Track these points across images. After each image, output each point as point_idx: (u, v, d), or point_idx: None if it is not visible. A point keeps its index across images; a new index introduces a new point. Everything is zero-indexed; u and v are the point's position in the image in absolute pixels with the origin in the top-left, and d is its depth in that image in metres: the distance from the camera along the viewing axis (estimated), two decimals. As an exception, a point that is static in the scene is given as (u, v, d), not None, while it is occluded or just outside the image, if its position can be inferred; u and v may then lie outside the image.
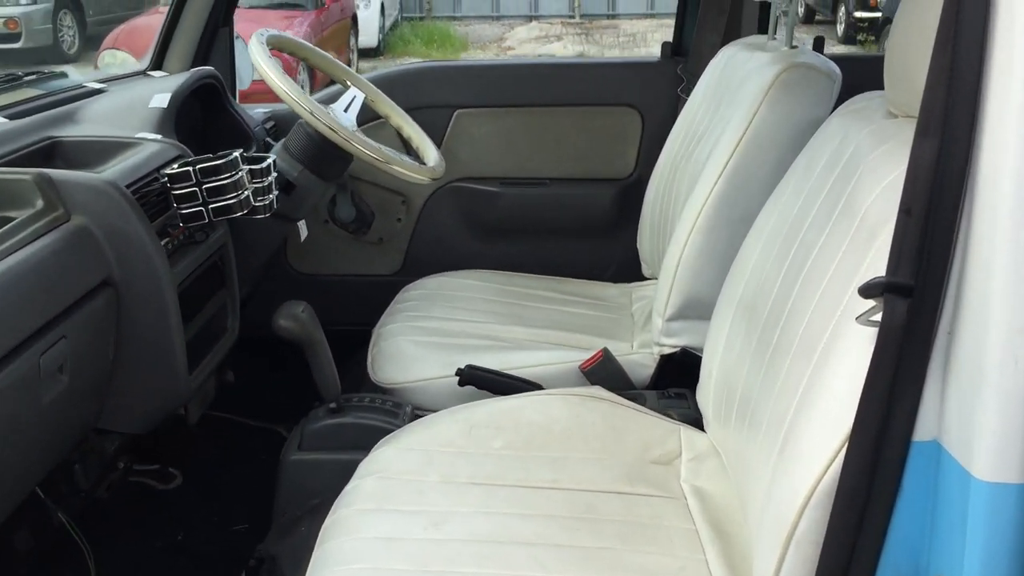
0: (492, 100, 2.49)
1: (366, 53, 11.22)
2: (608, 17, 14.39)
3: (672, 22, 2.60)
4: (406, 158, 1.95)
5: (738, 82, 1.88)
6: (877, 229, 1.05)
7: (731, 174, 1.74)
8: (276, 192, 1.78)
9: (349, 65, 10.34)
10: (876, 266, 1.03)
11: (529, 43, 12.71)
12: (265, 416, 2.35)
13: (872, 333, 0.93)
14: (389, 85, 2.38)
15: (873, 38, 10.67)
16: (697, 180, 1.83)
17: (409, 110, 2.36)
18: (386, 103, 2.22)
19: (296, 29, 8.75)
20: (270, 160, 1.74)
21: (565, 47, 12.31)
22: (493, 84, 2.50)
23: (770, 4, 1.98)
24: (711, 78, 2.08)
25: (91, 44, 8.79)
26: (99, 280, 1.46)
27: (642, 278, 2.35)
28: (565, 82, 2.50)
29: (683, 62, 2.45)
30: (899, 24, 1.17)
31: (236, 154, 1.62)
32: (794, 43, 1.87)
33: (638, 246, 2.33)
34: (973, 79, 0.86)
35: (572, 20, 14.37)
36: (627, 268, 2.43)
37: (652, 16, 14.04)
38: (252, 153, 1.90)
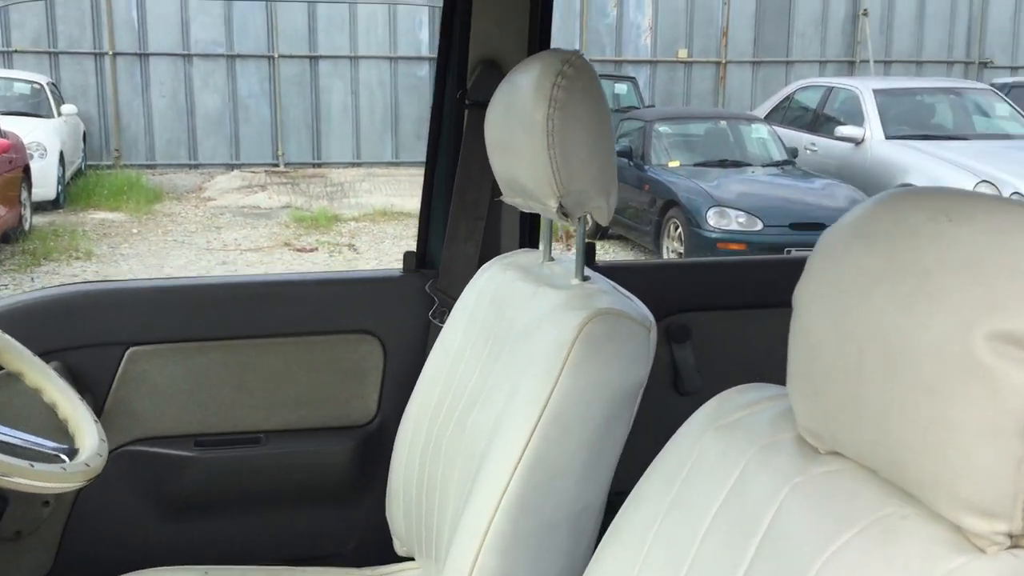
0: (180, 332, 1.84)
1: (43, 207, 10.13)
2: (314, 166, 14.03)
3: (380, 171, 2.12)
4: (40, 462, 1.28)
5: (521, 328, 1.41)
6: None
7: (530, 469, 1.24)
8: None
9: (21, 222, 9.21)
10: None
11: (231, 193, 12.04)
12: None
13: None
14: (26, 319, 1.70)
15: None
16: (479, 469, 1.31)
17: (58, 353, 1.69)
18: (18, 354, 1.52)
19: (-49, 184, 7.57)
20: None
21: (271, 197, 11.80)
22: (180, 310, 1.85)
23: (538, 215, 1.54)
24: (474, 306, 1.60)
25: None
26: None
27: (396, 557, 1.79)
28: (281, 304, 1.90)
29: (432, 278, 1.94)
30: (801, 330, 0.78)
31: None
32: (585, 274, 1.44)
33: (387, 516, 1.77)
34: None
35: (277, 168, 13.89)
36: (374, 544, 1.86)
37: (358, 165, 13.85)
38: None
